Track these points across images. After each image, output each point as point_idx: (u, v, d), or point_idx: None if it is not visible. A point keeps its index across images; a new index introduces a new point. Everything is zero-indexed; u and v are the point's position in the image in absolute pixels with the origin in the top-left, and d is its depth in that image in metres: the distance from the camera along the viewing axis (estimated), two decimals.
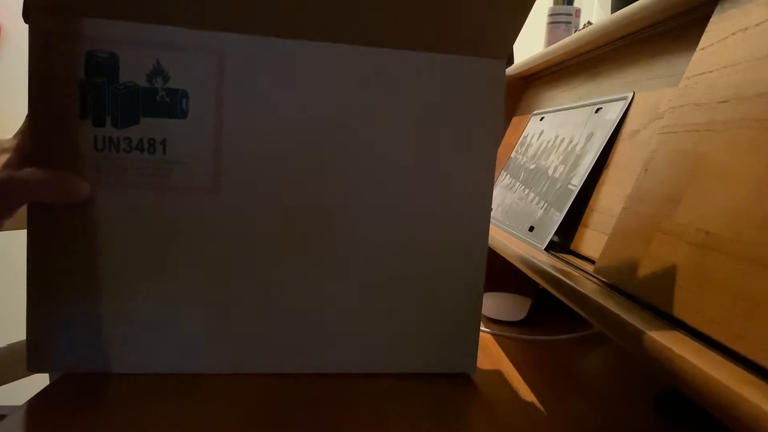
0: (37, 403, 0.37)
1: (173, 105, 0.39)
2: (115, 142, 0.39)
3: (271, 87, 0.40)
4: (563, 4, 0.94)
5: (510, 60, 0.45)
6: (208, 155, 0.40)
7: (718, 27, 0.38)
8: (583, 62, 0.68)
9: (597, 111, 0.55)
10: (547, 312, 0.68)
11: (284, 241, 0.42)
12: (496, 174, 0.80)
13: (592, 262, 0.43)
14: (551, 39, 0.93)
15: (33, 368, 0.40)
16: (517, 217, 0.62)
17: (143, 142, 0.39)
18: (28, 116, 0.39)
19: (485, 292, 0.70)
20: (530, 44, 1.04)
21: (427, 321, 0.45)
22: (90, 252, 0.40)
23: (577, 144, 0.56)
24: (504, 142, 0.89)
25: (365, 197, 0.42)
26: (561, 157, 0.58)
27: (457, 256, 0.44)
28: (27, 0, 0.37)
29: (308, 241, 0.42)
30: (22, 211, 0.40)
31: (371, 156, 0.42)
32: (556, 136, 0.63)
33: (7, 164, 0.39)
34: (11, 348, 0.74)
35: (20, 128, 0.42)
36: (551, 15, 0.95)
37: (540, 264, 0.45)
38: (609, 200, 0.47)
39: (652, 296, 0.33)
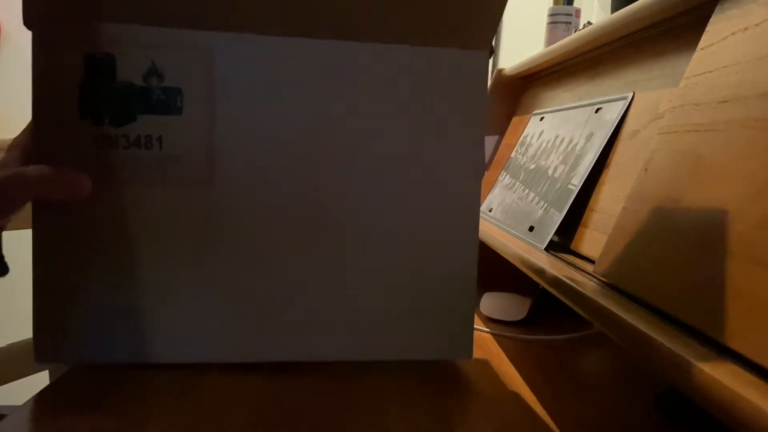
0: (36, 403, 0.37)
1: (168, 102, 0.41)
2: (114, 140, 0.40)
3: (260, 82, 0.42)
4: (563, 4, 0.94)
5: (490, 51, 0.45)
6: (202, 149, 0.41)
7: (718, 27, 0.38)
8: (583, 62, 0.68)
9: (597, 111, 0.55)
10: (547, 312, 0.68)
11: (279, 232, 0.43)
12: (496, 174, 0.80)
13: (592, 262, 0.43)
14: (551, 39, 0.93)
15: (39, 359, 0.41)
16: (517, 217, 0.62)
17: (141, 139, 0.40)
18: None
19: (486, 291, 0.71)
20: (530, 44, 1.04)
21: (423, 310, 0.45)
22: (92, 246, 0.41)
23: (577, 144, 0.56)
24: (504, 142, 0.89)
25: (355, 188, 0.43)
26: (561, 157, 0.58)
27: (450, 244, 0.45)
28: (27, 6, 0.38)
29: (302, 231, 0.43)
30: (25, 212, 0.40)
31: (358, 148, 0.43)
32: (556, 136, 0.63)
33: (12, 161, 0.40)
34: (11, 348, 0.74)
35: (27, 126, 0.42)
36: (551, 15, 0.95)
37: (540, 264, 0.45)
38: (609, 200, 0.47)
39: (652, 296, 0.33)
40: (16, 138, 0.42)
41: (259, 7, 0.40)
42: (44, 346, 0.41)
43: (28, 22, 0.39)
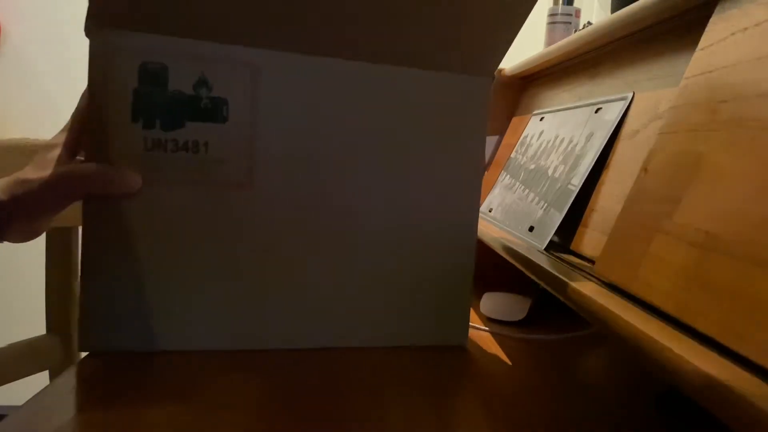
0: (36, 402, 0.37)
1: (215, 111, 0.45)
2: (163, 143, 0.44)
3: (296, 96, 0.46)
4: (563, 4, 0.94)
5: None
6: (243, 156, 0.46)
7: (718, 27, 0.38)
8: (582, 62, 0.68)
9: (597, 111, 0.56)
10: (547, 312, 0.68)
11: (303, 230, 0.48)
12: (496, 174, 0.80)
13: (592, 262, 0.43)
14: (551, 39, 0.93)
15: (85, 348, 0.44)
16: (517, 217, 0.62)
17: (188, 144, 0.44)
18: (72, 114, 0.45)
19: (486, 292, 0.71)
20: (530, 44, 1.04)
21: (424, 301, 0.51)
22: (138, 241, 0.44)
23: (577, 144, 0.56)
24: (504, 142, 0.89)
25: (370, 193, 0.49)
26: (561, 157, 0.58)
27: (450, 244, 0.52)
28: (89, 15, 0.41)
29: (322, 229, 0.48)
30: (71, 209, 0.43)
31: (376, 157, 0.49)
32: (556, 136, 0.63)
33: (58, 160, 0.42)
34: (11, 348, 0.74)
35: (65, 125, 0.45)
36: (551, 15, 0.95)
37: (540, 264, 0.45)
38: (609, 200, 0.47)
39: (652, 296, 0.33)
40: (57, 137, 0.44)
41: (300, 30, 0.44)
42: (89, 335, 0.44)
43: (88, 31, 0.42)
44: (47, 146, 0.44)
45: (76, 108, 0.46)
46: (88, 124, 0.43)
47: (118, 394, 0.39)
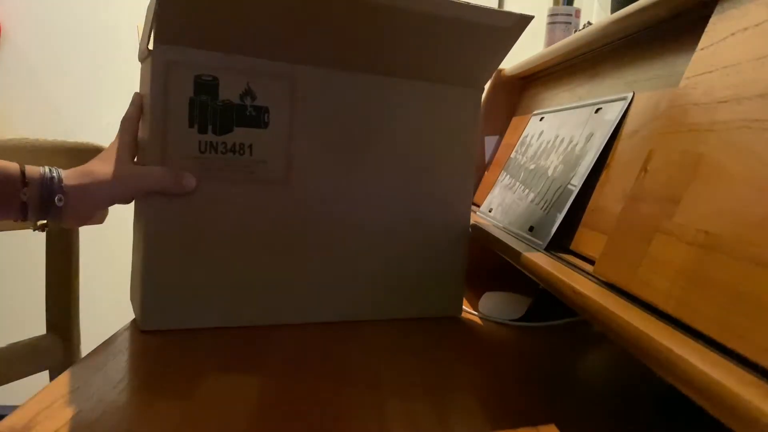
0: (37, 400, 0.37)
1: (258, 118, 0.51)
2: (215, 146, 0.50)
3: (324, 103, 0.53)
4: (563, 4, 0.94)
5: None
6: (282, 156, 0.53)
7: (718, 27, 0.38)
8: (582, 62, 0.68)
9: (597, 111, 0.56)
10: (547, 312, 0.68)
11: (327, 218, 0.55)
12: (496, 174, 0.80)
13: (592, 262, 0.43)
14: (551, 39, 0.93)
15: (147, 327, 0.50)
16: (517, 217, 0.62)
17: (236, 146, 0.51)
18: (123, 120, 0.50)
19: (486, 292, 0.71)
20: (530, 44, 1.04)
21: (426, 280, 0.60)
22: (193, 230, 0.50)
23: (577, 144, 0.56)
24: (504, 142, 0.89)
25: (381, 186, 0.57)
26: (561, 157, 0.58)
27: (447, 229, 0.60)
28: (157, 32, 0.46)
29: (342, 218, 0.55)
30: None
31: (387, 155, 0.57)
32: (556, 136, 0.63)
33: (121, 159, 0.48)
34: (11, 348, 0.74)
35: (125, 130, 0.50)
36: (551, 15, 0.95)
37: (540, 264, 0.45)
38: (609, 200, 0.47)
39: (652, 296, 0.33)
40: (116, 139, 0.49)
41: (330, 49, 0.52)
42: (149, 315, 0.50)
43: (148, 47, 0.49)
44: (110, 146, 0.50)
45: (126, 114, 0.51)
46: (150, 129, 0.48)
47: (119, 392, 0.39)
